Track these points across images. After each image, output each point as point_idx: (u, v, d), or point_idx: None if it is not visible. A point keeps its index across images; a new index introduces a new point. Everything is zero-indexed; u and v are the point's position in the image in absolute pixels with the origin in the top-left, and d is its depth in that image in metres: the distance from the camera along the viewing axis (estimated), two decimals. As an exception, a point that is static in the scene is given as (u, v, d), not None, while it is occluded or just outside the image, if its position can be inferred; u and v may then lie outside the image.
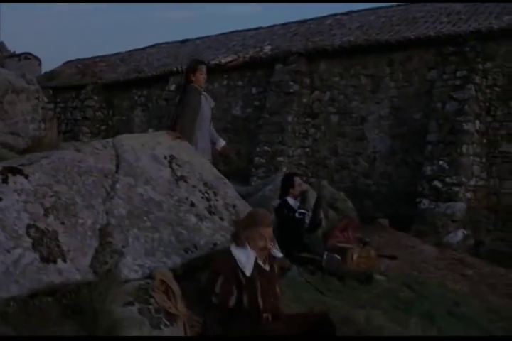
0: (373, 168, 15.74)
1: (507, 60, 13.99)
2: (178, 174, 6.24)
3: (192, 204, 6.02)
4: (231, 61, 18.95)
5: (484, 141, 14.04)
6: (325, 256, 8.34)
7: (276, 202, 9.10)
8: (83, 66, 26.47)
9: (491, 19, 14.97)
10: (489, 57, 14.20)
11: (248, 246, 4.99)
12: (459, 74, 14.09)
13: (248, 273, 4.92)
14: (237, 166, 17.27)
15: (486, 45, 14.20)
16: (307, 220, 8.81)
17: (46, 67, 29.13)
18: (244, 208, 6.55)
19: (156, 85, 21.44)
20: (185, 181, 6.24)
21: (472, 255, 11.60)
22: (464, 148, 13.51)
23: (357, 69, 16.37)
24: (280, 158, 16.45)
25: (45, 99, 11.18)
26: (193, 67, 7.97)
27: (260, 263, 5.07)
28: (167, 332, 4.65)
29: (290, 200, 8.73)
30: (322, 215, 9.35)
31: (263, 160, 16.48)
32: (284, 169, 15.58)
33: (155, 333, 4.55)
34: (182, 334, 4.81)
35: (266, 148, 16.75)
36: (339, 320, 6.16)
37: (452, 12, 16.81)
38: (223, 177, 6.95)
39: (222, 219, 6.19)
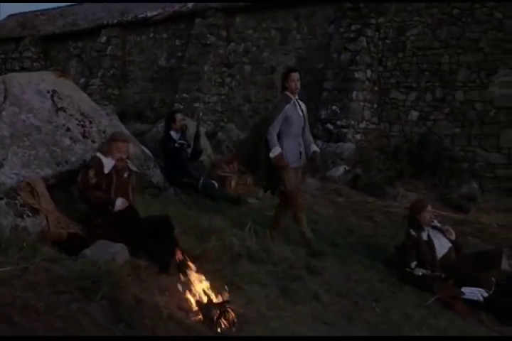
0: (282, 113, 16.67)
1: (397, 15, 14.94)
2: (59, 105, 7.44)
3: (68, 130, 7.29)
4: (157, 15, 19.82)
5: (376, 88, 15.07)
6: (201, 181, 9.73)
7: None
8: (24, 19, 27.01)
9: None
10: (381, 13, 15.13)
11: (109, 156, 6.63)
12: (353, 27, 15.07)
13: (106, 171, 6.51)
14: (162, 113, 18.41)
15: (380, 2, 15.14)
16: (189, 151, 10.14)
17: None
18: (114, 133, 7.90)
19: (89, 38, 22.24)
20: (64, 111, 7.46)
21: (350, 187, 12.67)
22: (354, 94, 14.58)
23: (268, 23, 17.34)
24: (197, 104, 17.57)
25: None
26: (285, 75, 7.97)
27: (119, 169, 6.66)
28: (29, 221, 6.03)
29: (172, 133, 9.96)
30: (203, 147, 10.58)
31: (182, 106, 17.42)
32: (201, 114, 16.55)
33: (18, 221, 5.92)
34: (44, 224, 6.19)
35: (184, 95, 17.85)
36: (188, 225, 7.53)
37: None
38: (100, 109, 8.25)
39: (94, 142, 7.45)
